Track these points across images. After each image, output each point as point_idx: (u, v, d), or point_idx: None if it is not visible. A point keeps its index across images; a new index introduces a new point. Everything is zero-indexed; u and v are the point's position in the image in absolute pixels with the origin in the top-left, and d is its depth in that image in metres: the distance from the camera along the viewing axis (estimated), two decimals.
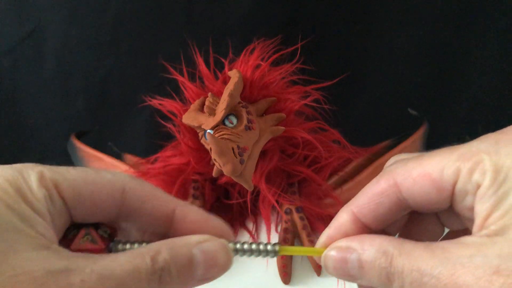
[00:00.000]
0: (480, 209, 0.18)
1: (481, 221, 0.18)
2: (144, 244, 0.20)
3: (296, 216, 0.42)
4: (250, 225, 0.45)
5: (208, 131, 0.37)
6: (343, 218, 0.22)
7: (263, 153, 0.41)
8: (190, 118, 0.39)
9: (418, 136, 0.49)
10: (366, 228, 0.22)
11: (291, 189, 0.44)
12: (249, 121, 0.38)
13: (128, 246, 0.21)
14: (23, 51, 0.66)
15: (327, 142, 0.45)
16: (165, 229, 0.21)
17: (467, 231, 0.20)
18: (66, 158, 0.54)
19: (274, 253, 0.22)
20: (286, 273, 0.39)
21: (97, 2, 0.63)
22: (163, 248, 0.19)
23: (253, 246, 0.22)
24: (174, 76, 0.45)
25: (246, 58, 0.43)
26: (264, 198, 0.43)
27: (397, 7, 0.63)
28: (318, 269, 0.39)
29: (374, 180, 0.21)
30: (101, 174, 0.20)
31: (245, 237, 0.44)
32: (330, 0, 0.62)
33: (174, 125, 0.46)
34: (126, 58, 0.66)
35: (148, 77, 0.66)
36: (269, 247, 0.22)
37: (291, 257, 0.40)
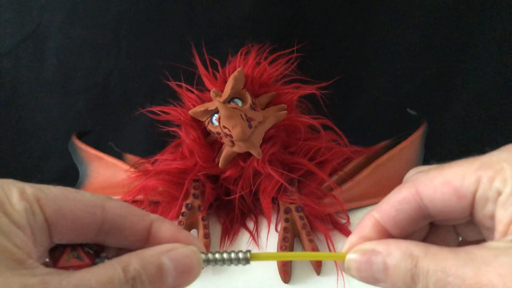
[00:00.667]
0: (502, 215, 0.19)
1: (504, 227, 0.18)
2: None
3: (295, 215, 0.42)
4: (251, 225, 0.45)
5: (215, 115, 0.39)
6: (365, 224, 0.22)
7: (266, 139, 0.42)
8: (196, 108, 0.41)
9: (417, 136, 0.49)
10: (388, 235, 0.22)
11: (291, 188, 0.44)
12: (253, 102, 0.40)
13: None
14: (24, 51, 0.66)
15: (326, 140, 0.45)
16: (142, 244, 0.22)
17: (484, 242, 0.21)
18: (67, 158, 0.55)
19: (246, 260, 0.22)
20: (286, 272, 0.39)
21: (98, 3, 0.63)
22: (133, 259, 0.19)
23: (224, 255, 0.22)
24: (171, 85, 0.45)
25: (243, 58, 0.44)
26: (265, 189, 0.43)
27: (397, 8, 0.63)
28: (318, 268, 0.40)
29: (397, 188, 0.22)
30: (82, 192, 0.21)
31: (245, 236, 0.44)
32: (330, 1, 0.62)
33: (178, 127, 0.46)
34: (127, 58, 0.66)
35: (148, 78, 0.67)
36: (240, 254, 0.22)
37: None
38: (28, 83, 0.68)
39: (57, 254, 0.20)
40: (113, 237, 0.22)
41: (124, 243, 0.22)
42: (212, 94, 0.41)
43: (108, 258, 0.21)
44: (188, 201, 0.43)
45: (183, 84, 0.45)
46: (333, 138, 0.46)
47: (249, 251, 0.22)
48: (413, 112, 0.53)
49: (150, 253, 0.20)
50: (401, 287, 0.20)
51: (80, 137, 0.55)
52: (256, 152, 0.38)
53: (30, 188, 0.19)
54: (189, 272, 0.21)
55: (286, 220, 0.42)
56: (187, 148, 0.44)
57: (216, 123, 0.40)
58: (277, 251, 0.41)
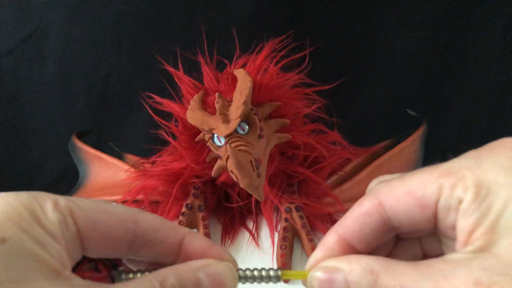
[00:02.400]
0: (463, 225, 0.18)
1: (464, 237, 0.18)
2: (146, 273, 0.21)
3: (295, 215, 0.42)
4: (250, 225, 0.45)
5: (220, 139, 0.37)
6: (329, 240, 0.22)
7: None
8: (197, 119, 0.38)
9: (417, 136, 0.49)
10: (353, 250, 0.21)
11: (291, 189, 0.44)
12: (260, 129, 0.38)
13: (131, 275, 0.21)
14: (24, 51, 0.66)
15: (327, 144, 0.45)
16: (174, 258, 0.22)
17: None
18: (67, 158, 0.55)
19: (277, 278, 0.22)
20: None
21: (98, 3, 0.63)
22: (169, 274, 0.19)
23: (256, 273, 0.22)
24: (170, 70, 0.45)
25: (253, 58, 0.42)
26: (266, 200, 0.43)
27: (397, 8, 0.63)
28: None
29: (359, 201, 0.21)
30: (114, 205, 0.21)
31: (245, 236, 0.44)
32: (330, 1, 0.62)
33: (176, 125, 0.47)
34: (127, 58, 0.66)
35: (149, 77, 0.67)
36: (271, 272, 0.22)
37: (290, 256, 0.41)
38: (28, 83, 0.68)
39: (75, 265, 0.20)
40: (144, 250, 0.21)
41: (155, 257, 0.22)
42: (216, 105, 0.38)
43: (125, 272, 0.21)
44: (188, 201, 0.43)
45: (181, 68, 0.44)
46: (333, 140, 0.46)
47: (281, 268, 0.22)
48: (413, 112, 0.53)
49: (186, 268, 0.20)
50: None
51: (80, 137, 0.55)
52: (259, 197, 0.36)
53: (63, 200, 0.19)
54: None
55: (286, 220, 0.42)
56: (180, 147, 0.44)
57: (218, 143, 0.38)
58: (277, 250, 0.41)
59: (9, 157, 0.73)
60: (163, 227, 0.21)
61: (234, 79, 0.40)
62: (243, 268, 0.22)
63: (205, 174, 0.44)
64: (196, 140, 0.42)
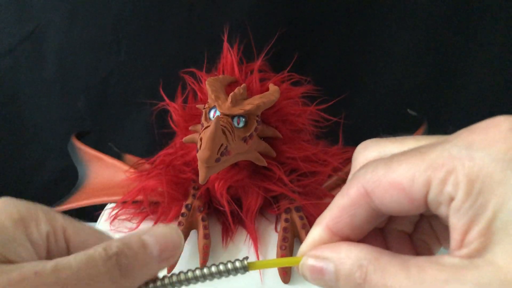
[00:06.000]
0: (457, 224, 0.17)
1: (459, 236, 0.17)
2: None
3: (295, 215, 0.42)
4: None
5: (216, 113, 0.38)
6: (318, 233, 0.21)
7: (235, 164, 0.41)
8: (213, 86, 0.39)
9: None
10: (345, 238, 0.21)
11: (291, 189, 0.44)
12: (250, 135, 0.39)
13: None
14: (23, 51, 0.66)
15: (323, 151, 0.45)
16: None
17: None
18: (67, 158, 0.55)
19: (244, 269, 0.21)
20: (285, 272, 0.39)
21: (98, 3, 0.63)
22: (113, 241, 0.19)
23: (221, 267, 0.21)
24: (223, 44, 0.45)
25: (274, 77, 0.44)
26: (248, 210, 0.43)
27: (397, 8, 0.63)
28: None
29: (344, 189, 0.20)
30: (101, 231, 0.22)
31: (243, 236, 0.44)
32: (330, 1, 0.62)
33: (175, 125, 0.47)
34: (126, 58, 0.66)
35: (148, 78, 0.67)
36: (237, 263, 0.21)
37: (291, 256, 0.41)
38: (27, 83, 0.68)
39: None
40: None
41: None
42: (236, 90, 0.39)
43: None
44: (188, 201, 0.43)
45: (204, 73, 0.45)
46: (326, 149, 0.46)
47: (246, 258, 0.21)
48: (413, 112, 0.53)
49: (130, 234, 0.20)
50: None
51: (79, 138, 0.55)
52: (202, 178, 0.36)
53: (60, 219, 0.20)
54: (172, 245, 0.20)
55: (286, 220, 0.42)
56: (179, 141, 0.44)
57: (211, 116, 0.39)
58: (277, 251, 0.41)
59: (9, 157, 0.73)
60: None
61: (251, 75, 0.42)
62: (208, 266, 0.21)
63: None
64: (183, 140, 0.43)
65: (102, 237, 0.21)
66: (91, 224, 0.47)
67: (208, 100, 0.40)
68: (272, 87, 0.42)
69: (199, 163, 0.35)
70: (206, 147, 0.34)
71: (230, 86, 0.43)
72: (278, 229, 0.42)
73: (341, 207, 0.20)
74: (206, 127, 0.35)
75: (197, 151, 0.35)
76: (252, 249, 0.42)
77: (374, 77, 0.68)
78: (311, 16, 0.63)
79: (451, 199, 0.17)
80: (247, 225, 0.43)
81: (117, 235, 0.21)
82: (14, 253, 0.18)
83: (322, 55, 0.64)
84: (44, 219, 0.19)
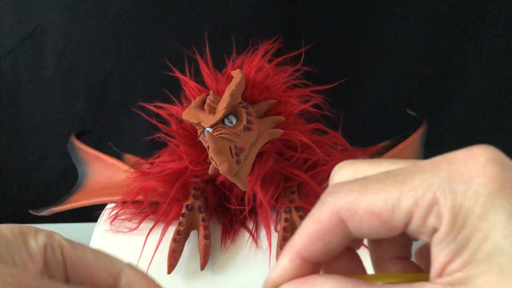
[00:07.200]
0: (438, 255, 0.17)
1: (440, 267, 0.17)
2: None
3: (295, 215, 0.42)
4: (250, 225, 0.45)
5: (207, 129, 0.37)
6: (289, 262, 0.20)
7: (259, 155, 0.41)
8: (190, 114, 0.40)
9: (417, 136, 0.49)
10: (316, 265, 0.20)
11: (291, 189, 0.44)
12: (248, 121, 0.38)
13: None
14: (23, 52, 0.66)
15: (326, 146, 0.45)
16: None
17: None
18: (67, 158, 0.54)
19: None
20: None
21: (98, 3, 0.63)
22: None
23: None
24: (176, 75, 0.45)
25: (250, 58, 0.43)
26: (262, 202, 0.43)
27: (397, 8, 0.63)
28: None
29: (316, 214, 0.19)
30: (106, 257, 0.21)
31: (245, 236, 0.44)
32: (330, 1, 0.62)
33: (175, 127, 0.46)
34: (126, 58, 0.66)
35: (148, 78, 0.67)
36: None
37: None
38: (27, 83, 0.68)
39: None
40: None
41: None
42: (207, 100, 0.39)
43: None
44: (189, 201, 0.43)
45: (187, 72, 0.44)
46: (333, 142, 0.46)
47: None
48: (413, 112, 0.53)
49: None
50: None
51: (79, 137, 0.55)
52: (242, 186, 0.37)
53: (59, 237, 0.20)
54: None
55: (286, 220, 0.42)
56: (181, 146, 0.44)
57: (206, 136, 0.38)
58: (277, 251, 0.41)
59: (9, 157, 0.73)
60: (97, 264, 0.21)
61: (231, 79, 0.41)
62: None
63: (205, 174, 0.44)
64: (197, 140, 0.42)
65: (98, 254, 0.21)
66: (91, 224, 0.48)
67: (196, 128, 0.40)
68: (234, 73, 0.41)
69: (228, 177, 0.36)
70: (219, 162, 0.34)
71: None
72: (278, 228, 0.42)
73: (313, 235, 0.19)
74: (208, 147, 0.36)
75: (213, 169, 0.37)
76: (252, 250, 0.42)
77: (374, 77, 0.68)
78: (311, 16, 0.63)
79: (434, 230, 0.17)
80: (261, 214, 0.43)
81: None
82: (10, 258, 0.18)
83: (321, 55, 0.64)
84: (42, 233, 0.20)
